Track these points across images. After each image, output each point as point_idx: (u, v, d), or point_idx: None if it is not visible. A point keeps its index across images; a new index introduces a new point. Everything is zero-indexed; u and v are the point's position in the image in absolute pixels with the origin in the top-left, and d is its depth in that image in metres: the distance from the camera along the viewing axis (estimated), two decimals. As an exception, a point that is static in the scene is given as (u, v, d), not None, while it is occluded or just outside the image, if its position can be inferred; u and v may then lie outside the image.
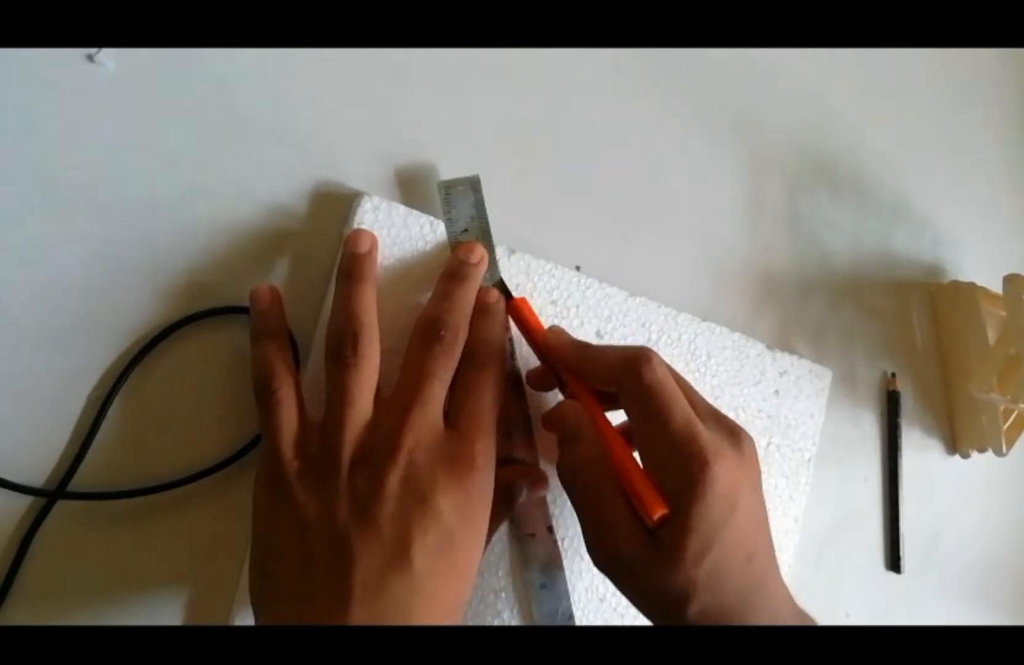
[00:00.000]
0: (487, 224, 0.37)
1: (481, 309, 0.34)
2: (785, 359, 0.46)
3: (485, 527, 0.31)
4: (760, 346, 0.45)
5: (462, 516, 0.29)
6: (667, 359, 0.40)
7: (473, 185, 0.37)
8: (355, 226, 0.34)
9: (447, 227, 0.36)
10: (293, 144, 0.35)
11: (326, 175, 0.35)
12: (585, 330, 0.40)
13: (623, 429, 0.34)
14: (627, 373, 0.31)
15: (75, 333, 0.31)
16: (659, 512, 0.29)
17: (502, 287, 0.37)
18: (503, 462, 0.37)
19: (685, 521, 0.29)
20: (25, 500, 0.30)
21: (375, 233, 0.34)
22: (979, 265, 0.57)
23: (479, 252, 0.35)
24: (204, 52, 0.33)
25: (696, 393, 0.34)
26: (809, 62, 0.50)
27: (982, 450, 0.54)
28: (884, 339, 0.53)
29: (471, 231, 0.37)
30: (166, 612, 0.32)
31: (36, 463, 0.30)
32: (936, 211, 0.56)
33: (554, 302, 0.39)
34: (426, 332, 0.32)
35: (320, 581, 0.27)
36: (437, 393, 0.31)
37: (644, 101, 0.44)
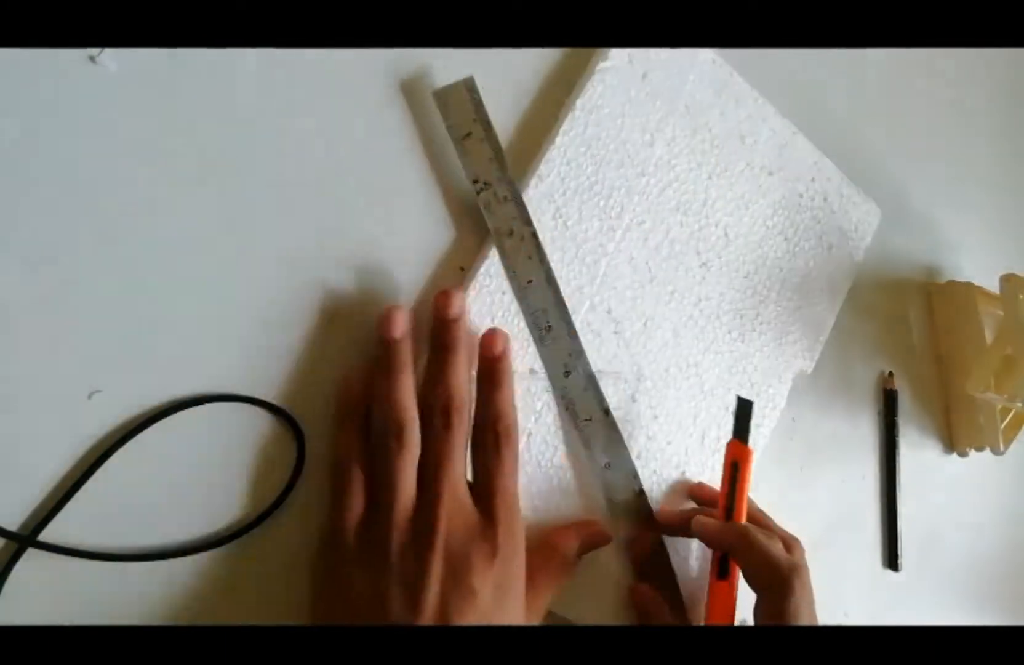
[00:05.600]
0: (490, 124, 0.36)
1: (488, 373, 0.35)
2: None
3: (521, 602, 0.33)
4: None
5: (496, 596, 0.31)
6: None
7: (468, 86, 0.36)
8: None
9: (450, 136, 0.36)
10: (298, 146, 0.35)
11: (328, 182, 0.35)
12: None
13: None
14: (777, 579, 0.37)
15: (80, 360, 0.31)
16: None
17: (744, 425, 0.40)
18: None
19: None
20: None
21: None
22: (976, 265, 0.58)
23: (456, 303, 0.34)
24: (205, 53, 0.33)
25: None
26: (806, 62, 0.50)
27: (979, 449, 0.54)
28: (882, 338, 0.53)
29: (475, 135, 0.36)
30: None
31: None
32: (934, 211, 0.56)
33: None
34: (435, 420, 0.33)
35: None
36: (458, 472, 0.33)
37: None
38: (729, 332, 0.44)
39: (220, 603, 0.33)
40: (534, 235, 0.38)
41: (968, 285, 0.54)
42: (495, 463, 0.33)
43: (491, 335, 0.35)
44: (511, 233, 0.37)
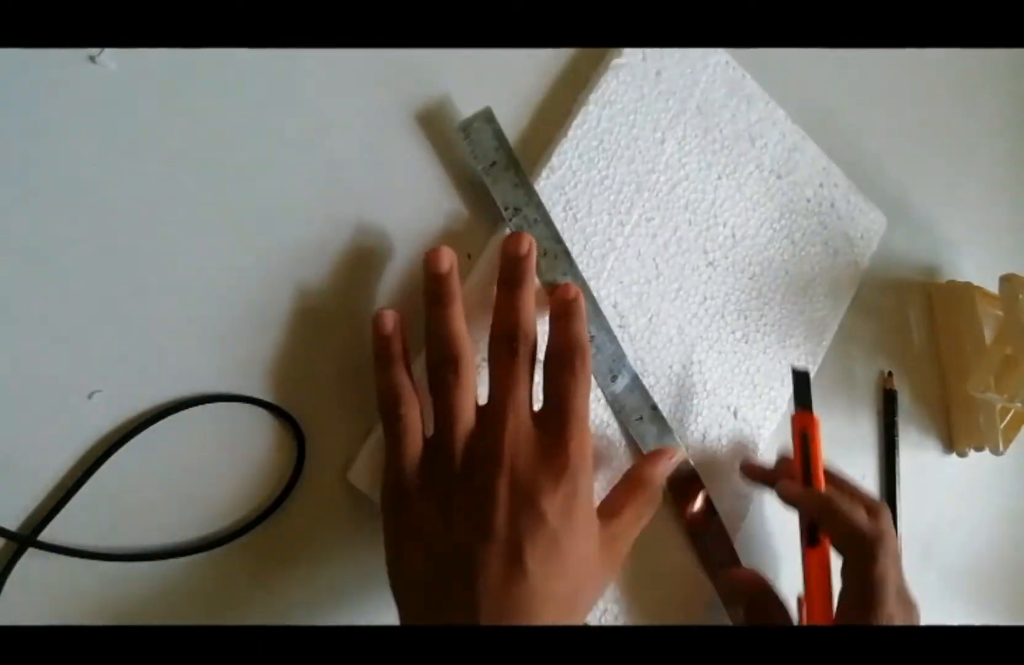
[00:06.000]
0: (511, 151, 0.37)
1: (562, 310, 0.35)
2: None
3: (590, 520, 0.33)
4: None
5: (564, 516, 0.31)
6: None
7: (487, 118, 0.37)
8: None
9: (476, 166, 0.37)
10: (299, 145, 0.35)
11: (333, 176, 0.35)
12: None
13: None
14: (861, 548, 0.38)
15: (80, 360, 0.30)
16: None
17: (804, 388, 0.42)
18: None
19: None
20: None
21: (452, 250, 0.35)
22: (976, 265, 0.58)
23: (526, 242, 0.35)
24: (205, 53, 0.33)
25: (900, 564, 0.40)
26: (807, 61, 0.50)
27: (979, 448, 0.54)
28: (881, 338, 0.53)
29: (499, 163, 0.37)
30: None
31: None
32: (934, 211, 0.56)
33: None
34: (500, 347, 0.33)
35: (450, 589, 0.30)
36: (524, 399, 0.33)
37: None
38: (733, 332, 0.44)
39: (220, 603, 0.33)
40: (566, 252, 0.38)
41: (968, 285, 0.54)
42: (570, 384, 0.33)
43: (567, 284, 0.36)
44: (545, 253, 0.38)
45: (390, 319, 0.34)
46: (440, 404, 0.33)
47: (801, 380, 0.43)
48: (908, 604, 0.40)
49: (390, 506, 0.33)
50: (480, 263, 0.38)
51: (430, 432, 0.33)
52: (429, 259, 0.34)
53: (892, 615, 0.38)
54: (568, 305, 0.35)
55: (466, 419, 0.32)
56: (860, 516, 0.39)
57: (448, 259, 0.34)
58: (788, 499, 0.41)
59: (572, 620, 0.32)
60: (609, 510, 0.35)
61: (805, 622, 0.41)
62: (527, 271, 0.35)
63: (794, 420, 0.43)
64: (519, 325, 0.33)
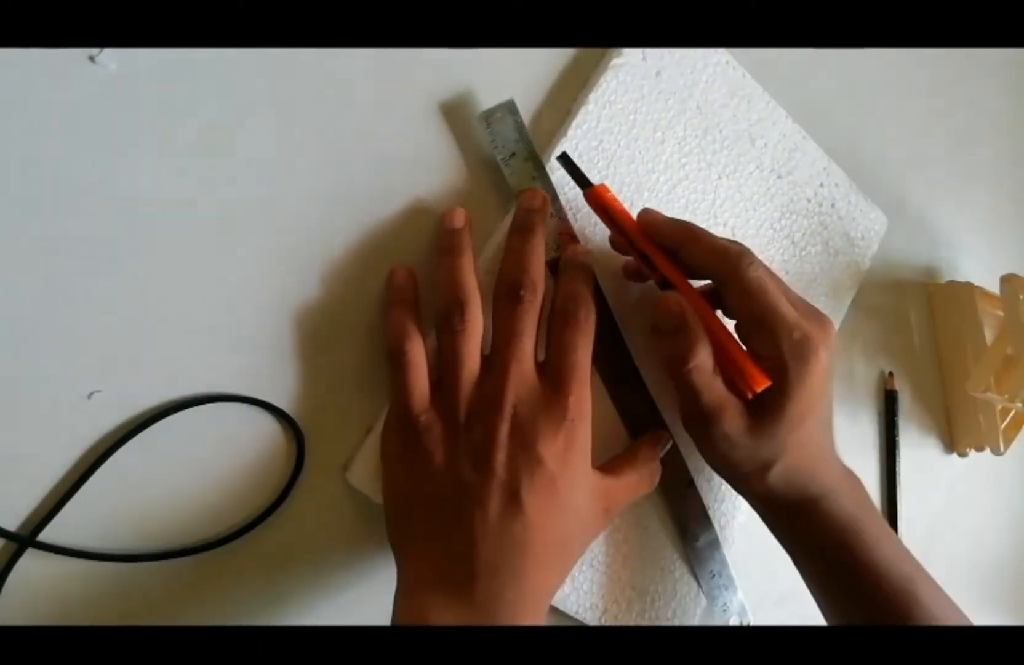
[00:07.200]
0: (531, 143, 0.38)
1: (570, 264, 0.36)
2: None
3: (587, 469, 0.34)
4: None
5: (562, 463, 0.33)
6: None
7: (510, 109, 0.37)
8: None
9: (496, 156, 0.37)
10: (300, 143, 0.35)
11: (347, 173, 0.35)
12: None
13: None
14: (730, 266, 0.35)
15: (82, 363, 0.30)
16: (763, 384, 0.34)
17: (574, 171, 0.37)
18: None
19: (790, 394, 0.34)
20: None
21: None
22: (977, 265, 0.58)
23: (540, 197, 0.36)
24: (205, 53, 0.33)
25: (787, 287, 0.37)
26: (806, 62, 0.50)
27: (979, 449, 0.54)
28: (882, 339, 0.53)
29: (519, 155, 0.37)
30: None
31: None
32: (934, 211, 0.56)
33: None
34: (506, 294, 0.34)
35: (450, 522, 0.32)
36: (527, 348, 0.34)
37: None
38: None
39: (220, 603, 0.33)
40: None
41: (968, 285, 0.54)
42: (572, 338, 0.34)
43: (576, 245, 0.38)
44: (558, 248, 0.38)
45: (403, 272, 0.35)
46: (446, 349, 0.34)
47: (567, 161, 0.37)
48: (812, 312, 0.36)
49: (394, 439, 0.34)
50: (490, 245, 0.38)
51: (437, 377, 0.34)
52: (444, 217, 0.36)
53: (796, 318, 0.34)
54: (576, 262, 0.36)
55: (471, 365, 0.33)
56: (715, 236, 0.35)
57: (462, 217, 0.36)
58: (652, 227, 0.36)
59: (564, 564, 0.34)
60: (609, 469, 0.36)
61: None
62: (539, 222, 0.35)
63: (588, 199, 0.37)
64: (527, 273, 0.34)
